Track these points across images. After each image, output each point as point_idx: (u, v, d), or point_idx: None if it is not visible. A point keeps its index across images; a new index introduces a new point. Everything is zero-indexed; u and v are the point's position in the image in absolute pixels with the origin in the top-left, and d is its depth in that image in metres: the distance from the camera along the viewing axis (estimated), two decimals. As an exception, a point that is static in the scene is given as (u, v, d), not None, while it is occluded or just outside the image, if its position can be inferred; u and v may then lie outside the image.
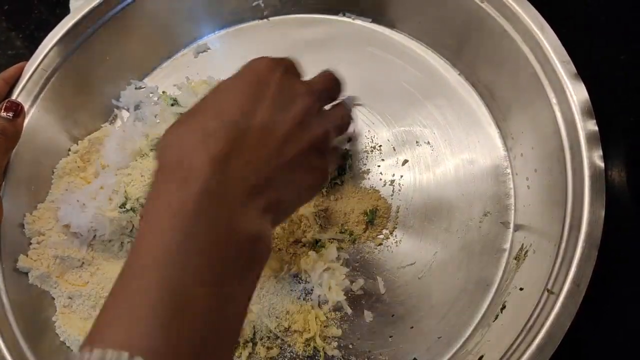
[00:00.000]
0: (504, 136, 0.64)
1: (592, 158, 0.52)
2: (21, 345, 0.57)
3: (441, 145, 0.65)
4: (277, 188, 0.40)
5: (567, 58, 0.56)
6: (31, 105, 0.66)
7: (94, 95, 0.72)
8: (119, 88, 0.75)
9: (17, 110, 0.63)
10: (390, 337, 0.58)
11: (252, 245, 0.37)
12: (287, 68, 0.44)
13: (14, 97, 0.65)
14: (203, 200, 0.35)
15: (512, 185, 0.62)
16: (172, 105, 0.70)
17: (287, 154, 0.41)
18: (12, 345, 0.56)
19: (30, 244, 0.63)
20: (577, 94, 0.54)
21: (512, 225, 0.60)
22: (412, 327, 0.58)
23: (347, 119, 0.52)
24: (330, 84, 0.49)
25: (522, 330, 0.49)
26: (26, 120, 0.64)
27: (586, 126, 0.53)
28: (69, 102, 0.69)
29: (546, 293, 0.49)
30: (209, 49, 0.77)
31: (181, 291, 0.33)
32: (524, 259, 0.56)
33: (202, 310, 0.33)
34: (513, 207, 0.61)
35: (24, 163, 0.64)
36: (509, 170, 0.62)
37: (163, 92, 0.73)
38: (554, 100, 0.56)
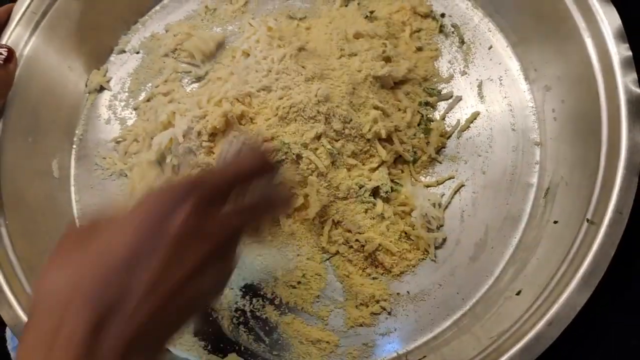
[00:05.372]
0: (525, 68, 0.61)
1: (627, 83, 0.50)
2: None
3: (460, 80, 0.62)
4: (156, 332, 0.35)
5: (597, -20, 0.53)
6: (23, 48, 0.61)
7: (96, 31, 0.68)
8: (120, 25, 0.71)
9: (8, 55, 0.58)
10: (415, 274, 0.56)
11: None
12: (196, 200, 0.36)
13: (3, 41, 0.60)
14: None
15: (535, 119, 0.59)
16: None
17: (173, 308, 0.35)
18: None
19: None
20: (608, 18, 0.52)
21: (538, 159, 0.58)
22: (439, 264, 0.56)
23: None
24: (257, 204, 0.42)
25: (562, 263, 0.48)
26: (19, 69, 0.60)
27: (619, 51, 0.51)
28: (65, 42, 0.65)
29: (586, 223, 0.48)
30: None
31: None
32: (554, 193, 0.54)
33: None
34: (539, 140, 0.58)
35: (23, 112, 0.60)
36: (532, 104, 0.60)
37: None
38: (582, 25, 0.53)
